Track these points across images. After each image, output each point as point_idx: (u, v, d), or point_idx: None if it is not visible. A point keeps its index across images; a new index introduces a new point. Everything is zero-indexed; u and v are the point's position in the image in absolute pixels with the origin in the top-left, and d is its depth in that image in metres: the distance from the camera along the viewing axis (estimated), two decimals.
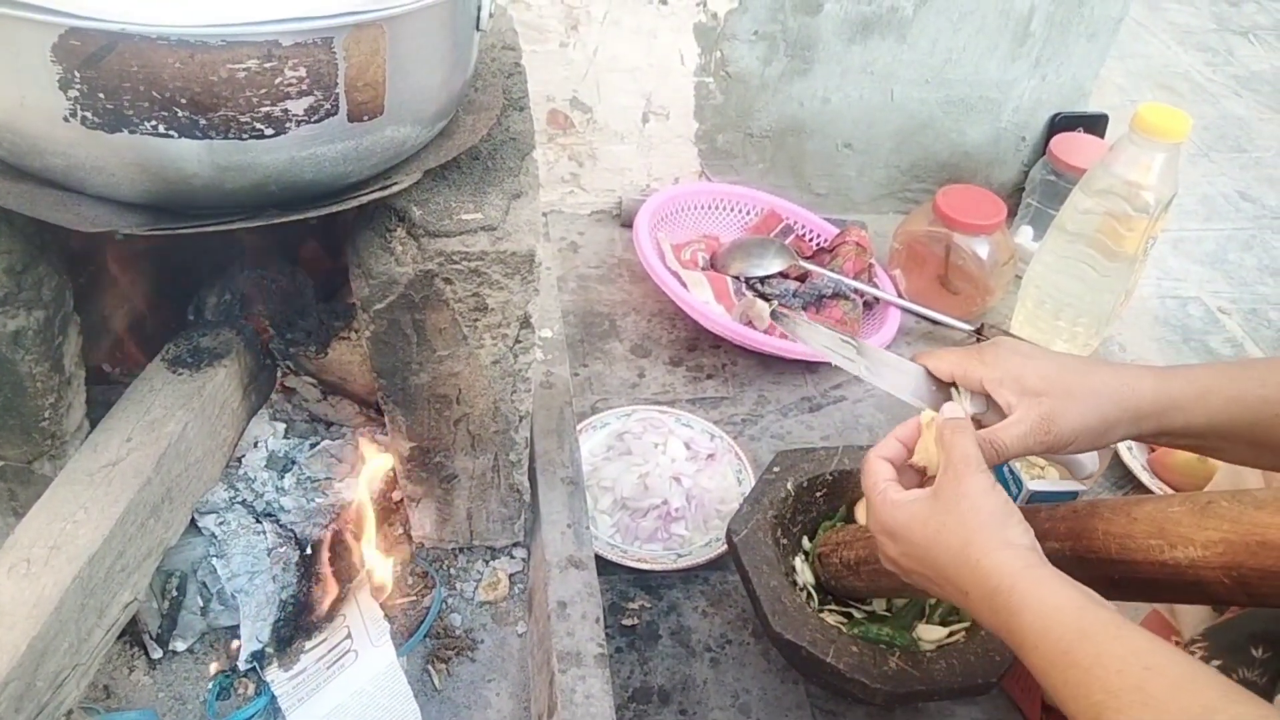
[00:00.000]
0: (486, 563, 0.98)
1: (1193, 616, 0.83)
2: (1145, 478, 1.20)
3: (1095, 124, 1.60)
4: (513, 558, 0.98)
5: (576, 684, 0.78)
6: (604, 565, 1.01)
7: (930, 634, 0.90)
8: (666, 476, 1.13)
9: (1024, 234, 1.52)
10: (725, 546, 0.95)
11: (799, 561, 0.97)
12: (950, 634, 0.90)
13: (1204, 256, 1.65)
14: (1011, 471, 1.16)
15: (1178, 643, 0.78)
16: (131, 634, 0.85)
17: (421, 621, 0.91)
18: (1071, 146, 1.49)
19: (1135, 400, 0.67)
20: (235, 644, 0.86)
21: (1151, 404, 0.67)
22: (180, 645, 0.86)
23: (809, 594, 0.95)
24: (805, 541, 1.00)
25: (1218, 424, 0.66)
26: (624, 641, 0.99)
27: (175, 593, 0.84)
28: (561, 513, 0.93)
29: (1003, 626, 0.58)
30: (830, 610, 0.94)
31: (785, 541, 0.96)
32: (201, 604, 0.85)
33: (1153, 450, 1.23)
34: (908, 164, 1.63)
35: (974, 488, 0.63)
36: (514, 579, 0.97)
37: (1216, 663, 0.68)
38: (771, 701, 0.94)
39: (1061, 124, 1.58)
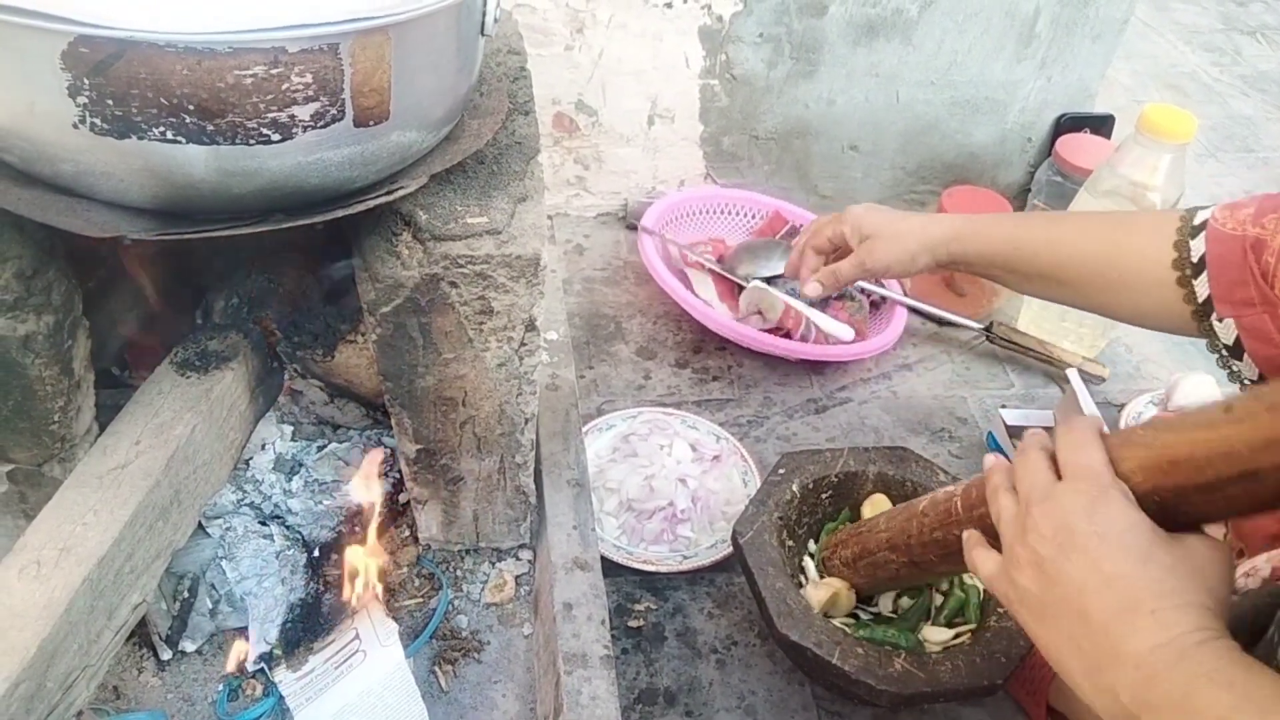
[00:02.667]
0: (493, 564, 0.98)
1: None
2: None
3: (1101, 125, 1.59)
4: (519, 559, 0.99)
5: (582, 685, 0.79)
6: (610, 567, 1.01)
7: (936, 635, 0.90)
8: (672, 478, 1.13)
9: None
10: (731, 548, 0.95)
11: (806, 561, 0.97)
12: (956, 635, 0.90)
13: None
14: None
15: None
16: (140, 635, 0.86)
17: (428, 623, 0.92)
18: (1077, 147, 1.49)
19: (931, 236, 0.94)
20: (244, 649, 0.87)
21: (941, 238, 0.94)
22: (189, 646, 0.86)
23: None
24: (811, 544, 1.00)
25: (987, 255, 0.91)
26: (630, 643, 0.99)
27: (186, 594, 0.85)
28: (567, 514, 0.93)
29: (1185, 658, 0.50)
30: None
31: (791, 543, 0.96)
32: (210, 605, 0.86)
33: None
34: (914, 165, 1.63)
35: (1226, 565, 0.55)
36: (520, 580, 0.97)
37: None
38: (777, 703, 0.95)
39: (1067, 125, 1.58)
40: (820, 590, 0.92)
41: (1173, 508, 0.55)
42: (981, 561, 0.64)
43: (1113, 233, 0.85)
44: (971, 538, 0.68)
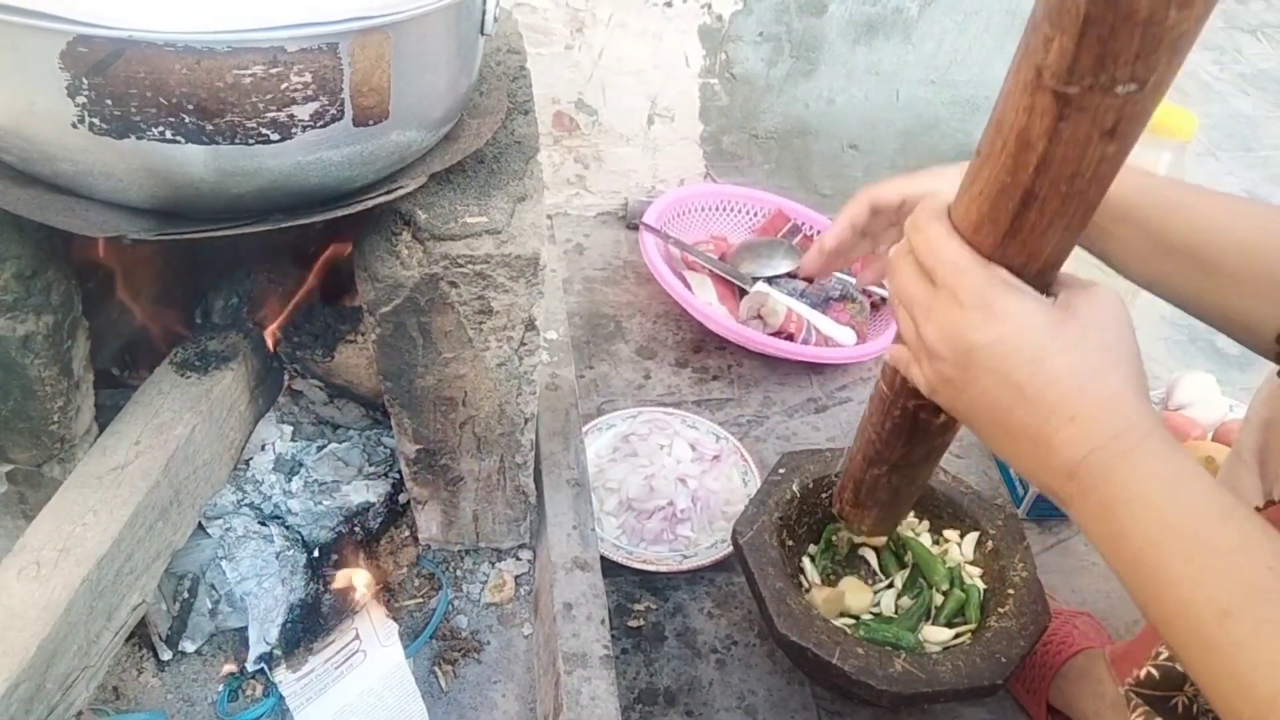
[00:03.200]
0: (492, 564, 0.98)
1: None
2: None
3: None
4: (518, 559, 0.99)
5: (582, 685, 0.79)
6: (610, 567, 1.01)
7: (935, 635, 0.90)
8: (672, 478, 1.13)
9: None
10: (731, 548, 0.95)
11: (805, 562, 0.97)
12: (956, 635, 0.90)
13: None
14: (1018, 474, 1.16)
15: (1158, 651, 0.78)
16: (140, 636, 0.85)
17: (428, 623, 0.91)
18: None
19: None
20: (242, 655, 0.86)
21: None
22: (189, 647, 0.86)
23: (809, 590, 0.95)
24: (811, 546, 1.00)
25: (1115, 197, 0.65)
26: (630, 643, 0.99)
27: (186, 595, 0.85)
28: (567, 514, 0.93)
29: (1111, 477, 0.48)
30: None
31: (791, 543, 0.96)
32: (210, 606, 0.86)
33: None
34: (914, 164, 1.63)
35: (1122, 315, 0.53)
36: (520, 580, 0.97)
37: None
38: (777, 703, 0.95)
39: None
40: (825, 594, 0.92)
41: (1007, 266, 0.54)
42: (915, 377, 0.60)
43: (1270, 222, 0.68)
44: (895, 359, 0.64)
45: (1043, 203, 0.50)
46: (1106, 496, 0.49)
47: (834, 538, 0.99)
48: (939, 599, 0.94)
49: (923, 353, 0.56)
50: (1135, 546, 0.48)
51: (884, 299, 1.41)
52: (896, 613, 0.95)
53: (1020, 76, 0.46)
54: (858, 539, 1.00)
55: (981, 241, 0.54)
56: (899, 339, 0.60)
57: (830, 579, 0.98)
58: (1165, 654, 0.70)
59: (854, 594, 0.95)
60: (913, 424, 0.70)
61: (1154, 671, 0.71)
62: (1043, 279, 0.55)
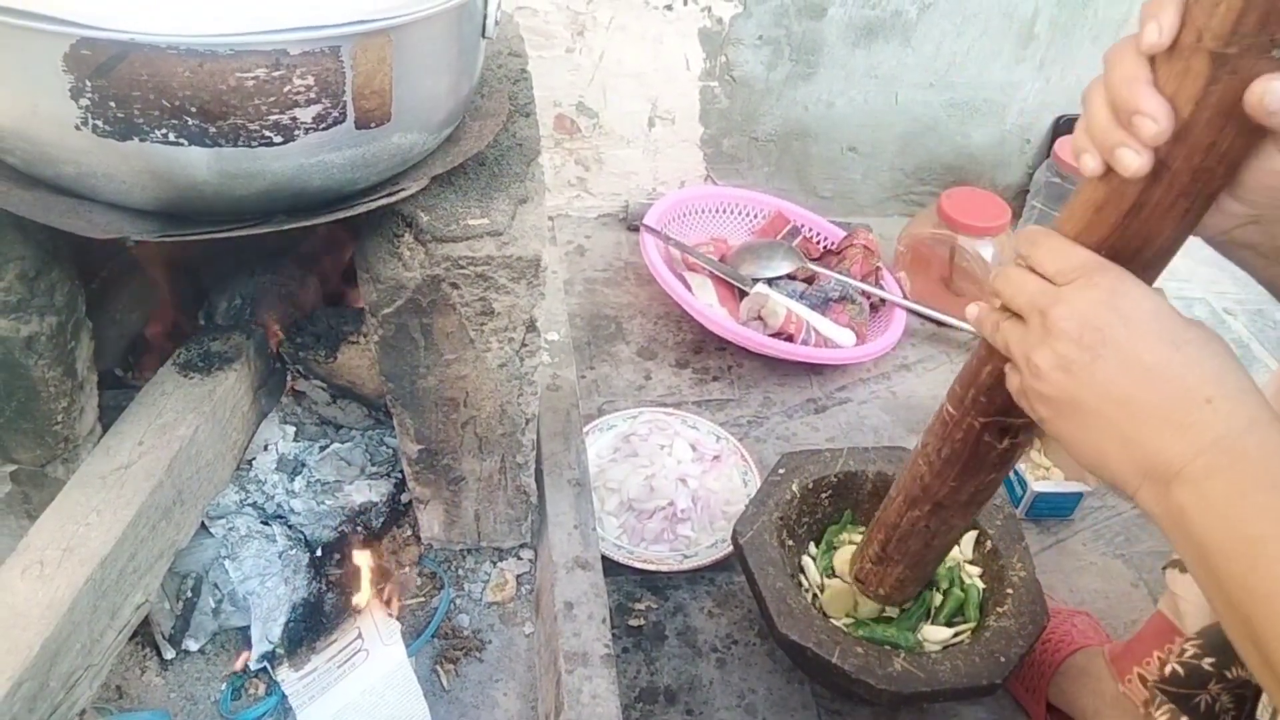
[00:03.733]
0: (494, 564, 0.98)
1: (1194, 620, 0.83)
2: None
3: None
4: (520, 559, 0.99)
5: (583, 684, 0.79)
6: (610, 566, 1.02)
7: (935, 635, 0.91)
8: (672, 478, 1.13)
9: None
10: (731, 548, 0.95)
11: (806, 561, 0.98)
12: (955, 635, 0.91)
13: (1209, 257, 1.63)
14: (1016, 473, 1.17)
15: (1163, 659, 0.78)
16: (144, 635, 0.86)
17: (429, 622, 0.92)
18: None
19: None
20: (245, 654, 0.87)
21: None
22: (192, 645, 0.87)
23: (815, 595, 0.95)
24: (811, 546, 1.00)
25: None
26: (630, 642, 0.99)
27: (190, 594, 0.85)
28: (568, 514, 0.93)
29: (1245, 458, 0.47)
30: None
31: (791, 543, 0.96)
32: (213, 605, 0.86)
33: None
34: (912, 167, 1.64)
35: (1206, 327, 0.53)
36: (521, 580, 0.97)
37: (1209, 660, 0.68)
38: (778, 701, 0.95)
39: (1066, 126, 1.59)
40: (834, 588, 0.92)
41: (1124, 249, 0.54)
42: (1009, 373, 0.59)
43: None
44: (985, 323, 0.62)
45: (1173, 176, 0.50)
46: (1238, 478, 0.47)
47: (834, 540, 0.99)
48: (938, 598, 0.94)
49: (1042, 338, 0.54)
50: (1262, 529, 0.46)
51: (883, 300, 1.42)
52: (899, 613, 0.95)
53: (1178, 40, 0.47)
54: (872, 605, 0.95)
55: (1102, 221, 0.53)
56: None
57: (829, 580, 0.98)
58: (1190, 651, 0.70)
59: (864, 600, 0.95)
60: (974, 449, 0.70)
61: (1179, 669, 0.71)
62: (1152, 270, 0.55)
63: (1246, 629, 0.46)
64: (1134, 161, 0.49)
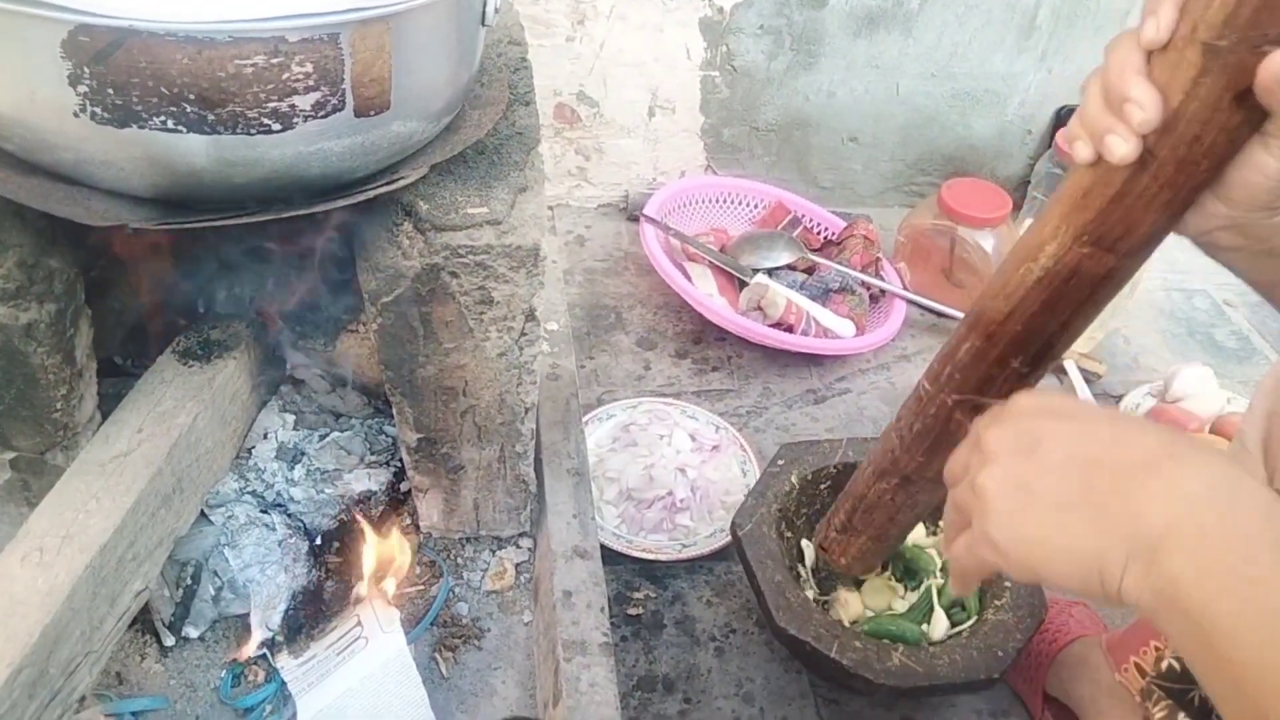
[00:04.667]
0: (493, 552, 0.99)
1: None
2: None
3: None
4: (519, 547, 0.99)
5: (582, 672, 0.79)
6: (609, 555, 1.02)
7: (935, 629, 0.91)
8: (671, 468, 1.13)
9: (1029, 227, 1.52)
10: (729, 538, 0.95)
11: (805, 544, 0.98)
12: (954, 627, 0.91)
13: None
14: None
15: (1159, 649, 0.78)
16: (143, 622, 0.86)
17: (428, 610, 0.92)
18: None
19: None
20: (247, 644, 0.87)
21: None
22: (192, 632, 0.87)
23: (814, 585, 0.96)
24: (804, 542, 1.00)
25: None
26: (629, 630, 0.99)
27: (189, 581, 0.85)
28: (567, 503, 0.93)
29: (1237, 501, 0.42)
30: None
31: (790, 535, 0.97)
32: (213, 592, 0.87)
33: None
34: (913, 157, 1.64)
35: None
36: (520, 568, 0.98)
37: None
38: (775, 691, 0.95)
39: (1068, 117, 1.58)
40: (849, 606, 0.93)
41: (1103, 237, 0.55)
42: (957, 540, 0.53)
43: None
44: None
45: (1159, 166, 0.51)
46: (1236, 538, 0.41)
47: None
48: (936, 584, 0.95)
49: (979, 466, 0.50)
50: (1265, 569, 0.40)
51: (883, 291, 1.42)
52: (908, 609, 0.95)
53: (1175, 33, 0.48)
54: (880, 600, 0.97)
55: (1088, 206, 0.55)
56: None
57: (828, 583, 0.97)
58: None
59: (874, 595, 0.95)
60: (944, 426, 0.70)
61: (1175, 664, 0.71)
62: (1132, 259, 0.57)
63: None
64: (1121, 148, 0.50)
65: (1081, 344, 1.38)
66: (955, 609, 0.93)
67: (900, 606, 0.95)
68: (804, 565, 0.97)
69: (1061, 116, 1.59)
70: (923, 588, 0.95)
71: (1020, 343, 0.64)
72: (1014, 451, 0.49)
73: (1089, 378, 1.33)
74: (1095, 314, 0.63)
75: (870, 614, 0.94)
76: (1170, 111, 0.49)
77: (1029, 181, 1.61)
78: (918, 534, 1.00)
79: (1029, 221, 1.52)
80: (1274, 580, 0.39)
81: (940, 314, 1.41)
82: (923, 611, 0.93)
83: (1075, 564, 0.45)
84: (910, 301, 1.41)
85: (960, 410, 0.69)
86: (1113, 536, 0.43)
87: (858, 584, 0.97)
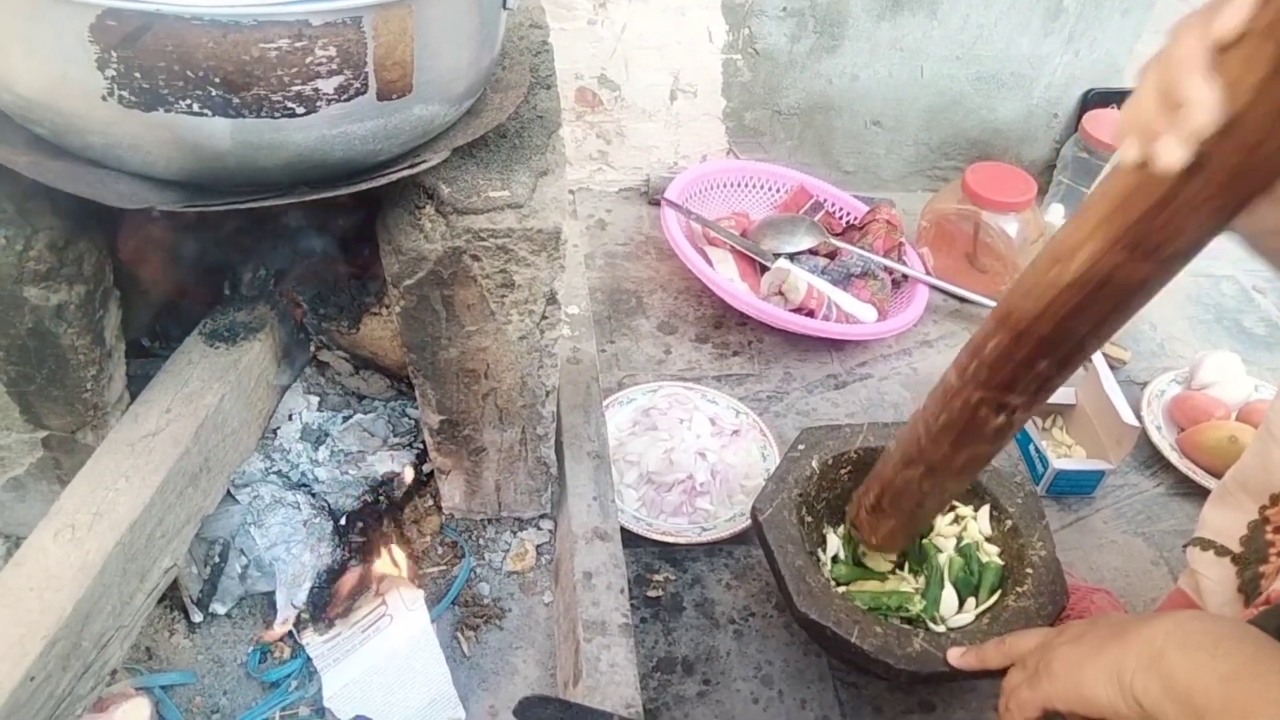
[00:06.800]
0: (514, 534, 1.00)
1: (1214, 597, 0.83)
2: (1174, 458, 1.19)
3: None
4: (540, 529, 1.00)
5: (601, 653, 0.80)
6: (629, 538, 1.03)
7: (956, 620, 0.91)
8: (691, 452, 1.14)
9: (1055, 212, 1.51)
10: (749, 521, 0.96)
11: (826, 530, 0.98)
12: (976, 614, 0.91)
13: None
14: (1038, 450, 1.16)
15: None
16: (172, 598, 0.88)
17: (450, 589, 0.93)
18: (1104, 123, 1.47)
19: None
20: (275, 627, 0.89)
21: None
22: (220, 609, 0.89)
23: (834, 568, 0.96)
24: (828, 527, 1.00)
25: None
26: (648, 612, 1.00)
27: (217, 559, 0.87)
28: (587, 486, 0.94)
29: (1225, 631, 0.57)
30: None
31: (810, 519, 0.97)
32: (240, 570, 0.88)
33: (1181, 430, 1.22)
34: (937, 141, 1.62)
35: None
36: (541, 550, 0.99)
37: None
38: (794, 674, 0.96)
39: (1095, 100, 1.56)
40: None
41: (1148, 241, 0.54)
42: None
43: None
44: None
45: (1210, 174, 0.47)
46: (1210, 634, 0.56)
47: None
48: (945, 559, 0.95)
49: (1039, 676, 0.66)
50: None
51: (905, 276, 1.41)
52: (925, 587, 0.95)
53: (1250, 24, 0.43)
54: (866, 552, 0.98)
55: (1127, 211, 0.51)
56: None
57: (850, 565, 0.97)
58: None
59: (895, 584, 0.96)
60: (969, 420, 0.70)
61: None
62: (1167, 269, 0.54)
63: None
64: (1171, 155, 0.46)
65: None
66: (961, 580, 0.93)
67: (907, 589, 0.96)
68: (824, 551, 0.97)
69: (1088, 99, 1.57)
70: (927, 562, 0.95)
71: (1049, 344, 0.62)
72: (1066, 641, 0.65)
73: (1113, 364, 1.32)
74: (1128, 319, 0.61)
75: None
76: (1232, 115, 0.44)
77: (1054, 166, 1.59)
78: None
79: (1054, 206, 1.51)
80: (1238, 663, 0.53)
81: (963, 299, 1.40)
82: (935, 585, 0.93)
83: (1103, 673, 0.59)
84: (933, 287, 1.41)
85: (985, 406, 0.69)
86: (1128, 651, 0.58)
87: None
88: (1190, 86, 0.44)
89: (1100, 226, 0.54)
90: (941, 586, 0.93)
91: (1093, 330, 0.60)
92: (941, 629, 0.90)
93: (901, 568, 0.97)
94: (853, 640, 0.82)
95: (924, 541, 0.97)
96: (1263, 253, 0.55)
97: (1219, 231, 0.52)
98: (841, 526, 0.99)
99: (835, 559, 0.96)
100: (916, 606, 0.90)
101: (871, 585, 0.94)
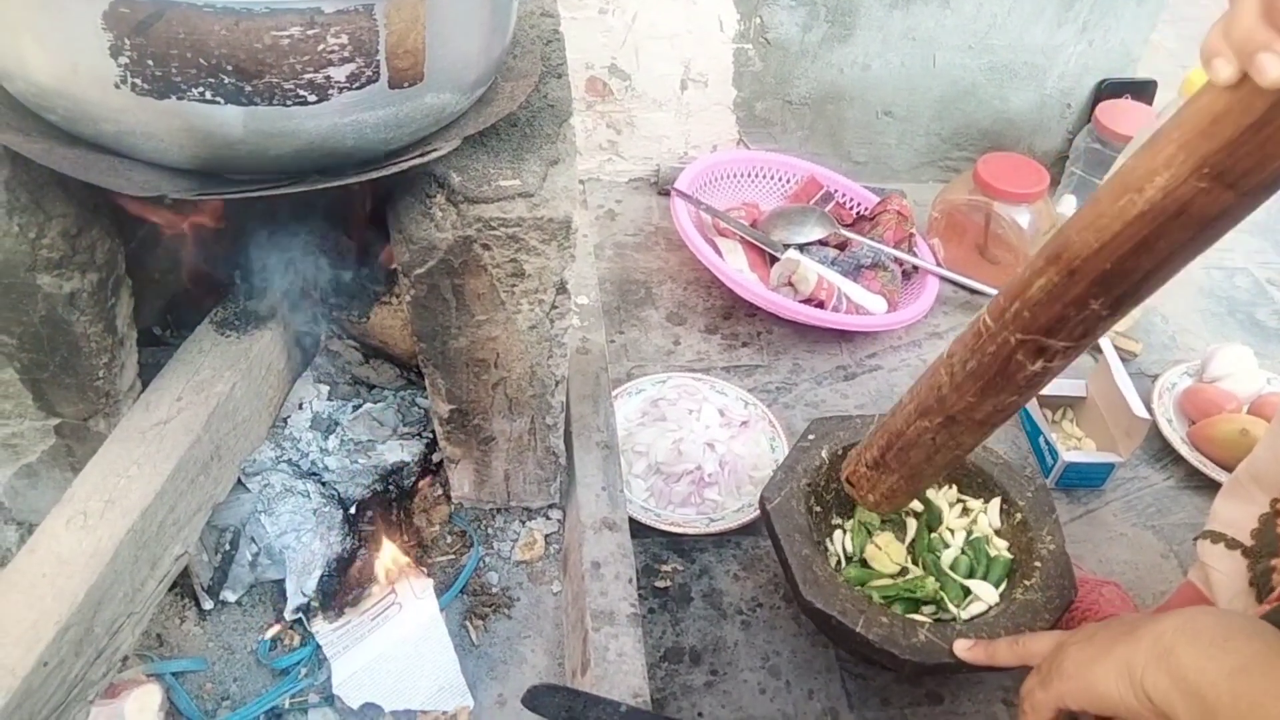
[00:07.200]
0: (523, 523, 1.00)
1: (1224, 590, 0.83)
2: (1185, 451, 1.19)
3: (1143, 90, 1.56)
4: (548, 519, 1.00)
5: (609, 642, 0.80)
6: (637, 528, 1.03)
7: (967, 609, 0.90)
8: (700, 442, 1.14)
9: (1067, 203, 1.50)
10: (757, 512, 0.96)
11: (835, 534, 0.98)
12: (986, 607, 0.90)
13: (1253, 226, 1.62)
14: (1048, 443, 1.16)
15: None
16: (183, 586, 0.88)
17: (458, 578, 0.93)
18: (1118, 114, 1.46)
19: None
20: (282, 621, 0.89)
21: None
22: (230, 596, 0.89)
23: (840, 562, 0.96)
24: (837, 518, 0.99)
25: None
26: (656, 603, 1.00)
27: (228, 547, 0.87)
28: (596, 476, 0.94)
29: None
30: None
31: (819, 509, 0.97)
32: (250, 558, 0.88)
33: (1193, 423, 1.22)
34: (949, 132, 1.61)
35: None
36: (549, 539, 0.99)
37: None
38: (802, 664, 0.96)
39: (1108, 90, 1.55)
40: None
41: (1230, 169, 0.51)
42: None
43: None
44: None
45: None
46: (1220, 626, 0.57)
47: (870, 524, 0.99)
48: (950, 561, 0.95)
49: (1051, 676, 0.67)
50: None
51: (916, 267, 1.40)
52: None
53: None
54: (862, 509, 0.97)
55: (1216, 133, 0.49)
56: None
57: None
58: None
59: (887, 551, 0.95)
60: (1003, 366, 0.66)
61: None
62: (1249, 201, 0.51)
63: None
64: (1277, 69, 0.44)
65: (1118, 323, 1.36)
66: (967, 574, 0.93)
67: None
68: (832, 541, 0.97)
69: (1102, 90, 1.56)
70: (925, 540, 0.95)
71: (1106, 281, 0.58)
72: (1078, 641, 0.66)
73: (1124, 357, 1.31)
74: (1195, 257, 0.57)
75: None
76: None
77: (1067, 157, 1.58)
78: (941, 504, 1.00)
79: (1066, 198, 1.50)
80: (1247, 657, 0.54)
81: (974, 291, 1.40)
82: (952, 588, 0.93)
83: (1113, 670, 0.60)
84: (943, 278, 1.40)
85: (1023, 351, 0.65)
86: (1138, 648, 0.59)
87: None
88: None
89: (1181, 152, 0.51)
90: (954, 581, 0.93)
91: (1156, 267, 0.57)
92: (951, 616, 0.90)
93: (904, 573, 0.96)
94: (858, 630, 0.82)
95: (932, 536, 0.97)
96: None
97: None
98: (850, 520, 0.99)
99: (839, 564, 0.96)
100: (930, 588, 0.90)
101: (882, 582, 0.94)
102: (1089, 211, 0.58)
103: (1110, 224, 0.56)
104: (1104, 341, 1.22)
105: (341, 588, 0.89)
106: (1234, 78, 0.47)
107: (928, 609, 0.91)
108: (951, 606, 0.90)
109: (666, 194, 1.48)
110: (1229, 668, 0.53)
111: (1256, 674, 0.52)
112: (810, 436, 0.99)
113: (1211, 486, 1.13)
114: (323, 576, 0.88)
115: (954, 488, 1.02)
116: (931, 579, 0.92)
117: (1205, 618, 0.58)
